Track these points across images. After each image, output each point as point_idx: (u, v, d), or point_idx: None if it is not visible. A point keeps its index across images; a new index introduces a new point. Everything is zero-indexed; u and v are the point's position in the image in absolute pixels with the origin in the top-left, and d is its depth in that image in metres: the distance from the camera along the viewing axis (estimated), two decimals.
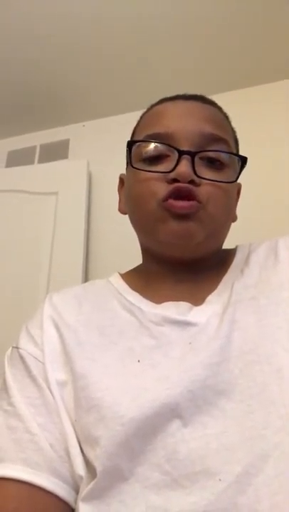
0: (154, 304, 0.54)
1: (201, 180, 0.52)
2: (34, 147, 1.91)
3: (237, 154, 0.57)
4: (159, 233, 0.53)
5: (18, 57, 1.57)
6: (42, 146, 1.90)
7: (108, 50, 1.55)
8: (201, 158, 0.53)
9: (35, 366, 0.50)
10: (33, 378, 0.49)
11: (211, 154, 0.54)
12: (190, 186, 0.51)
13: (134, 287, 0.58)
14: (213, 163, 0.54)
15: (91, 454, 0.43)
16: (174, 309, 0.52)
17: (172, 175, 0.52)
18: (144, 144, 0.55)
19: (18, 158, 1.89)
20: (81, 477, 0.44)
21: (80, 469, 0.44)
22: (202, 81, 1.60)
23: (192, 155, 0.52)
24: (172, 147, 0.53)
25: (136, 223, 0.59)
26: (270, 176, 1.46)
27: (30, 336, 0.53)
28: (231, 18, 1.40)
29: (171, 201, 0.51)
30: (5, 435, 0.46)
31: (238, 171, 0.56)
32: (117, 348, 0.50)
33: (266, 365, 0.44)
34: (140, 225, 0.58)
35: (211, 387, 0.43)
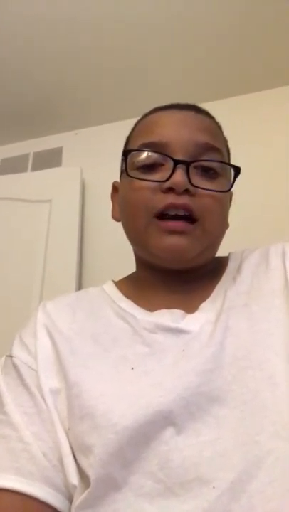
0: (147, 312, 0.54)
1: (196, 189, 0.53)
2: (27, 155, 1.91)
3: (231, 164, 0.58)
4: (151, 247, 0.54)
5: (10, 65, 1.58)
6: (35, 154, 1.90)
7: (101, 59, 1.56)
8: (195, 168, 0.54)
9: (29, 374, 0.50)
10: (26, 387, 0.49)
11: (205, 163, 0.54)
12: (187, 201, 0.52)
13: (128, 295, 0.58)
14: (207, 172, 0.54)
15: (84, 463, 0.43)
16: (168, 317, 0.52)
17: (167, 184, 0.52)
18: (139, 152, 0.56)
19: (11, 166, 1.89)
20: (74, 486, 0.43)
21: (74, 478, 0.44)
22: (197, 89, 1.62)
23: (187, 164, 0.52)
24: (167, 156, 0.53)
25: (129, 233, 0.60)
26: (270, 181, 1.47)
27: (24, 344, 0.53)
28: (229, 25, 1.41)
29: (164, 221, 0.52)
30: None
31: (231, 180, 0.57)
32: (110, 355, 0.50)
33: (258, 371, 0.44)
34: (133, 235, 0.59)
35: (205, 394, 0.43)
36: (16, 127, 1.88)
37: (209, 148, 0.55)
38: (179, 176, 0.51)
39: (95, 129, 1.85)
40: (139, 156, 0.56)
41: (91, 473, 0.41)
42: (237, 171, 0.56)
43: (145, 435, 0.41)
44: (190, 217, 0.53)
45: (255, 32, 1.43)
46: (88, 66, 1.59)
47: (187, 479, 0.39)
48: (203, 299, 0.54)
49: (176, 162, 0.52)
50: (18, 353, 0.52)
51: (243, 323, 0.49)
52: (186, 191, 0.52)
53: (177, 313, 0.53)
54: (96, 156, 1.75)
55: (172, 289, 0.57)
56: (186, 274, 0.57)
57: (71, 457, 0.45)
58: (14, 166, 1.88)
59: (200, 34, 1.45)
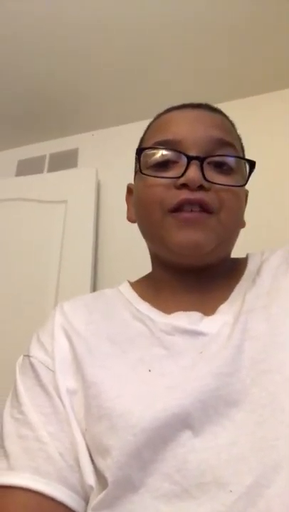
0: (164, 314, 0.54)
1: (210, 185, 0.52)
2: (44, 156, 1.93)
3: (245, 158, 0.57)
4: (168, 242, 0.53)
5: (27, 68, 1.60)
6: (51, 155, 1.92)
7: (117, 60, 1.56)
8: (209, 163, 0.53)
9: (46, 374, 0.50)
10: (43, 387, 0.49)
11: (219, 159, 0.54)
12: (202, 197, 0.51)
13: (144, 296, 0.58)
14: (222, 168, 0.54)
15: (102, 464, 0.43)
16: (185, 319, 0.52)
17: (181, 180, 0.52)
18: (152, 150, 0.56)
19: (27, 167, 1.91)
20: (91, 487, 0.44)
21: (90, 479, 0.44)
22: (210, 90, 1.61)
23: (201, 160, 0.52)
24: (181, 153, 0.53)
25: (144, 231, 0.60)
26: (282, 179, 1.46)
27: (41, 344, 0.54)
28: (237, 26, 1.41)
29: (179, 213, 0.52)
30: (16, 443, 0.45)
31: (246, 175, 0.56)
32: (127, 357, 0.50)
33: (277, 374, 0.43)
34: (148, 233, 0.58)
35: (222, 398, 0.43)
36: (33, 129, 1.90)
37: (223, 143, 0.55)
38: (193, 172, 0.51)
39: (111, 130, 1.86)
40: (153, 154, 0.56)
41: (108, 474, 0.41)
42: (252, 165, 0.56)
43: (163, 437, 0.41)
44: (206, 210, 0.52)
45: (263, 34, 1.43)
46: (104, 67, 1.60)
47: (204, 481, 0.38)
48: (222, 301, 0.54)
49: (190, 158, 0.52)
50: (36, 352, 0.53)
51: (262, 326, 0.48)
52: (201, 187, 0.51)
53: (195, 315, 0.52)
54: (111, 157, 1.76)
55: (189, 289, 0.57)
56: (202, 273, 0.57)
57: (88, 458, 0.45)
58: (31, 167, 1.90)
59: (211, 36, 1.44)
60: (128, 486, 0.41)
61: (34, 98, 1.74)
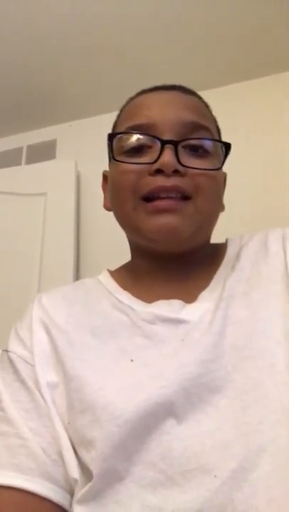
0: (145, 303, 0.53)
1: (186, 169, 0.51)
2: (21, 148, 1.89)
3: (220, 141, 0.56)
4: (142, 230, 0.52)
5: (2, 59, 1.56)
6: (29, 147, 1.89)
7: (94, 49, 1.53)
8: (183, 147, 0.52)
9: (25, 369, 0.49)
10: (22, 382, 0.48)
11: (194, 142, 0.53)
12: (177, 183, 0.50)
13: (124, 286, 0.57)
14: (197, 151, 0.53)
15: (86, 457, 0.42)
16: (166, 307, 0.51)
17: (156, 165, 0.50)
18: (125, 135, 0.54)
19: (4, 160, 1.87)
20: (75, 480, 0.43)
21: (75, 472, 0.44)
22: (193, 77, 1.59)
23: (175, 144, 0.50)
24: (154, 137, 0.52)
25: (119, 219, 0.58)
26: (271, 166, 1.47)
27: (20, 339, 0.53)
28: (230, 10, 1.39)
29: (153, 203, 0.51)
30: None
31: (222, 159, 0.55)
32: (109, 348, 0.49)
33: (259, 359, 0.43)
34: (122, 220, 0.57)
35: (205, 385, 0.43)
36: (9, 120, 1.86)
37: (197, 126, 0.53)
38: (168, 156, 0.49)
39: (89, 120, 1.83)
40: (126, 139, 0.54)
41: (93, 466, 0.41)
42: (227, 147, 0.55)
43: (147, 426, 0.41)
44: (182, 197, 0.51)
45: (251, 21, 1.41)
46: (81, 58, 1.57)
47: (188, 468, 0.39)
48: (202, 288, 0.53)
49: (164, 142, 0.50)
50: (14, 347, 0.52)
51: (243, 312, 0.48)
52: (176, 172, 0.50)
53: (176, 303, 0.52)
54: (91, 148, 1.73)
55: (169, 277, 0.56)
56: (181, 259, 0.56)
57: (71, 451, 0.45)
58: (8, 159, 1.86)
59: (196, 22, 1.43)
60: (113, 476, 0.41)
61: (9, 89, 1.69)
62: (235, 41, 1.50)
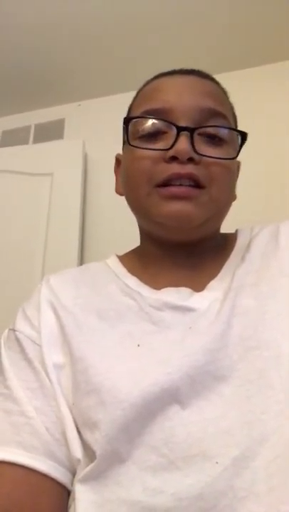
0: (153, 290, 0.53)
1: (200, 157, 0.50)
2: (29, 127, 1.88)
3: (237, 129, 0.55)
4: (154, 216, 0.52)
5: (11, 36, 1.53)
6: (37, 126, 1.87)
7: (105, 30, 1.51)
8: (199, 134, 0.51)
9: (32, 349, 0.49)
10: (29, 361, 0.49)
11: (210, 130, 0.52)
12: (192, 171, 0.50)
13: (133, 271, 0.57)
14: (213, 139, 0.52)
15: (90, 438, 0.43)
16: (175, 295, 0.51)
17: (171, 152, 0.50)
18: (141, 120, 0.53)
19: (12, 138, 1.86)
20: (78, 460, 0.44)
21: (78, 452, 0.44)
22: (201, 60, 1.57)
23: (191, 131, 0.50)
24: (171, 123, 0.51)
25: (132, 204, 0.58)
26: (274, 154, 1.46)
27: (27, 318, 0.53)
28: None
29: (168, 188, 0.51)
30: (1, 418, 0.45)
31: (237, 147, 0.54)
32: (115, 331, 0.49)
33: (265, 350, 0.44)
34: (136, 206, 0.57)
35: (211, 373, 0.43)
36: (17, 98, 1.84)
37: (214, 113, 0.53)
38: (183, 144, 0.49)
39: (98, 100, 1.81)
40: (141, 124, 0.53)
41: (96, 447, 0.41)
42: (243, 136, 0.54)
43: (151, 411, 0.42)
44: (196, 186, 0.51)
45: (259, 7, 1.38)
46: (92, 37, 1.54)
47: (190, 454, 0.39)
48: (211, 277, 0.53)
49: (180, 129, 0.50)
50: (22, 327, 0.52)
51: (251, 303, 0.48)
52: (191, 160, 0.50)
53: (184, 291, 0.52)
54: (99, 128, 1.72)
55: (178, 264, 0.56)
56: (191, 248, 0.56)
57: (75, 432, 0.45)
58: (15, 138, 1.85)
59: (202, 6, 1.39)
60: (115, 458, 0.41)
61: (18, 67, 1.67)
62: (244, 26, 1.47)
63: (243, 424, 0.40)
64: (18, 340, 0.51)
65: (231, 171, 0.55)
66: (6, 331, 0.54)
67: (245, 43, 1.54)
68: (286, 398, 0.40)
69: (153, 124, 0.53)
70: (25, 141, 1.84)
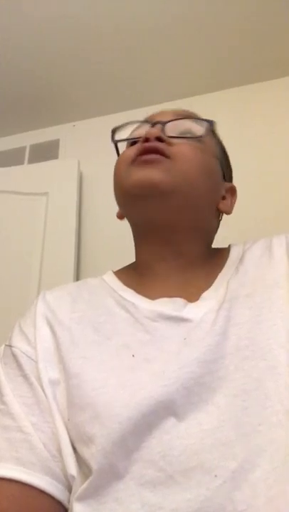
0: (148, 300, 0.54)
1: (170, 140, 0.55)
2: (24, 147, 1.89)
3: (203, 119, 0.60)
4: (127, 188, 0.55)
5: (6, 58, 1.56)
6: (32, 147, 1.89)
7: (98, 50, 1.54)
8: (172, 129, 0.57)
9: (28, 365, 0.50)
10: (25, 377, 0.49)
11: (181, 125, 0.58)
12: (157, 144, 0.54)
13: (128, 284, 0.58)
14: (185, 135, 0.57)
15: (86, 453, 0.43)
16: (169, 305, 0.52)
17: (143, 137, 0.55)
18: (123, 128, 0.61)
19: (7, 159, 1.87)
20: (73, 477, 0.43)
21: (72, 469, 0.44)
22: (195, 80, 1.61)
23: (163, 123, 0.56)
24: (146, 121, 0.59)
25: (117, 200, 0.61)
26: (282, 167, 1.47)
27: (23, 334, 0.53)
28: (231, 14, 1.40)
29: (137, 158, 0.55)
30: None
31: (212, 146, 0.61)
32: (111, 343, 0.50)
33: (261, 361, 0.44)
34: (118, 194, 0.60)
35: (207, 384, 0.43)
36: (13, 119, 1.86)
37: (188, 115, 0.60)
38: (153, 128, 0.56)
39: (93, 120, 1.84)
40: (125, 133, 0.61)
41: (93, 463, 0.41)
42: (210, 124, 0.59)
43: (147, 424, 0.41)
44: (162, 155, 0.54)
45: (261, 22, 1.41)
46: (85, 59, 1.57)
47: (189, 467, 0.39)
48: (205, 288, 0.54)
49: (154, 123, 0.57)
50: (18, 343, 0.52)
51: (246, 313, 0.49)
52: (160, 140, 0.55)
53: (179, 301, 0.52)
54: (93, 148, 1.74)
55: (172, 276, 0.57)
56: (179, 251, 0.58)
57: (70, 448, 0.45)
58: (10, 158, 1.87)
59: (200, 24, 1.43)
60: (113, 474, 0.41)
61: (14, 88, 1.70)
62: (243, 43, 1.50)
63: (241, 436, 0.40)
64: (14, 356, 0.51)
65: (202, 155, 0.57)
66: (3, 346, 0.54)
67: (244, 60, 1.56)
68: (283, 409, 0.41)
69: (132, 131, 0.60)
70: (21, 162, 1.85)
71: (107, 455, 0.41)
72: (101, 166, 1.72)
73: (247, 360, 0.44)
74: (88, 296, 0.58)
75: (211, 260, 0.59)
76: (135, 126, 0.61)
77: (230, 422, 0.41)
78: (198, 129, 0.58)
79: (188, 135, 0.57)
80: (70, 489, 0.45)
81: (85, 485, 0.41)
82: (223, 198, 0.63)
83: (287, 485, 0.37)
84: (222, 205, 0.62)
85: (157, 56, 1.56)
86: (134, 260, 0.64)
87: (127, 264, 0.66)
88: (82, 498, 0.41)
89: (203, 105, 1.64)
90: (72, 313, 0.54)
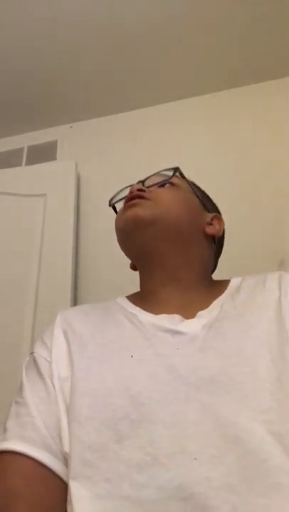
0: (151, 315, 0.64)
1: (149, 189, 0.72)
2: (21, 149, 1.90)
3: (171, 168, 0.75)
4: (120, 224, 0.71)
5: (4, 59, 1.56)
6: (29, 148, 1.89)
7: (96, 51, 1.54)
8: (152, 185, 0.73)
9: (44, 365, 0.60)
10: (41, 375, 0.59)
11: (157, 180, 0.74)
12: (139, 192, 0.69)
13: (137, 303, 0.69)
14: (163, 186, 0.73)
15: (80, 432, 0.51)
16: (168, 320, 0.62)
17: (129, 193, 0.72)
18: (117, 195, 0.78)
19: (5, 160, 1.87)
20: (69, 455, 0.51)
21: (67, 447, 0.52)
22: (192, 82, 1.61)
23: (142, 181, 0.74)
24: (131, 185, 0.74)
25: (118, 241, 0.74)
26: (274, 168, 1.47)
27: (43, 343, 0.64)
28: (232, 15, 1.40)
29: (125, 204, 0.70)
30: (13, 420, 0.55)
31: (192, 192, 0.75)
32: (114, 346, 0.60)
33: (246, 367, 0.52)
34: (116, 235, 0.74)
35: (193, 384, 0.51)
36: (10, 121, 1.86)
37: (160, 171, 0.74)
38: (136, 185, 0.73)
39: (90, 122, 1.84)
40: (118, 196, 0.77)
41: (86, 439, 0.49)
42: (176, 169, 0.75)
43: (139, 414, 0.49)
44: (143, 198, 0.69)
45: (264, 23, 1.43)
46: (83, 59, 1.58)
47: (173, 451, 0.46)
48: (202, 309, 0.63)
49: (137, 183, 0.74)
50: (38, 349, 0.64)
51: (236, 329, 0.57)
52: (141, 191, 0.70)
53: (176, 318, 0.62)
54: (91, 149, 1.74)
55: (174, 299, 0.67)
56: (174, 274, 0.69)
57: (67, 430, 0.53)
58: (8, 160, 1.87)
59: (200, 24, 1.43)
60: (104, 456, 0.48)
61: (11, 90, 1.70)
62: (240, 45, 1.50)
63: (219, 427, 0.47)
64: (34, 360, 0.62)
65: (175, 192, 0.73)
66: (28, 354, 0.65)
67: (236, 63, 1.57)
68: (259, 407, 0.48)
69: (124, 191, 0.76)
70: (19, 163, 1.86)
71: (100, 435, 0.49)
72: (99, 168, 1.73)
73: (232, 366, 0.52)
74: (101, 312, 0.69)
75: (212, 289, 0.69)
76: (125, 190, 0.76)
77: (212, 416, 0.48)
78: (169, 175, 0.74)
79: (167, 185, 0.73)
80: (67, 465, 0.52)
81: (78, 462, 0.49)
82: (210, 224, 0.74)
83: (260, 468, 0.43)
84: (208, 229, 0.73)
85: (155, 58, 1.56)
86: (130, 264, 0.76)
87: (125, 267, 0.76)
88: (76, 477, 0.48)
89: (202, 106, 1.66)
90: (85, 324, 0.66)
